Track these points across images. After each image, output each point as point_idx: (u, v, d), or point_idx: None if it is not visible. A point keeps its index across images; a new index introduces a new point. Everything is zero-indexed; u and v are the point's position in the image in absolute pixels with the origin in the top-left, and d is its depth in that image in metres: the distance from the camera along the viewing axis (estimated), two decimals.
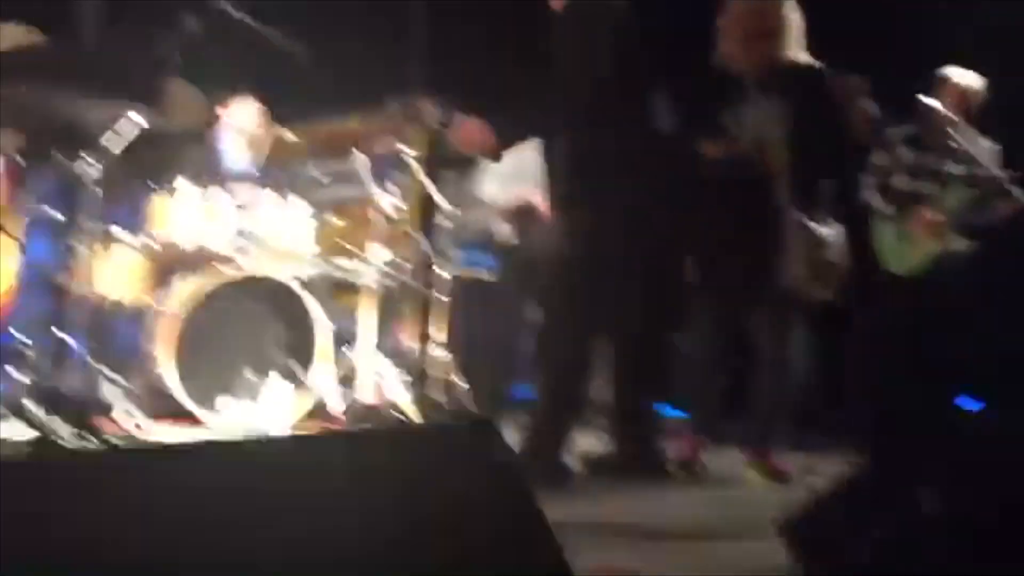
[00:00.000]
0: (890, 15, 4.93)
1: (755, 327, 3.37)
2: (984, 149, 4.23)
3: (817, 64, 3.29)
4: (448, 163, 4.74)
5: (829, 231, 3.30)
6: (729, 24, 3.30)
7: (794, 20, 3.29)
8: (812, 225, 3.24)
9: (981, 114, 4.23)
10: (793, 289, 3.24)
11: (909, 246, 4.35)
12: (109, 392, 3.29)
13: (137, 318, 3.70)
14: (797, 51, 3.29)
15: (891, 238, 4.41)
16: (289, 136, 4.25)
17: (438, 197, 4.44)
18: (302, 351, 3.81)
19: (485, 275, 4.76)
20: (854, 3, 4.94)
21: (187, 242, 3.81)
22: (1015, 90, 4.34)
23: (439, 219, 4.52)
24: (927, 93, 4.09)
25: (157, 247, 3.81)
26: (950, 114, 4.10)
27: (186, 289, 3.67)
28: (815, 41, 3.31)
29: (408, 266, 4.37)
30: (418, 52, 6.31)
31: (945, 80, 4.18)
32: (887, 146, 4.39)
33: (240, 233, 3.84)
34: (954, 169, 4.30)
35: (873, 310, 4.72)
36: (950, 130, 4.10)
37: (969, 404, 5.06)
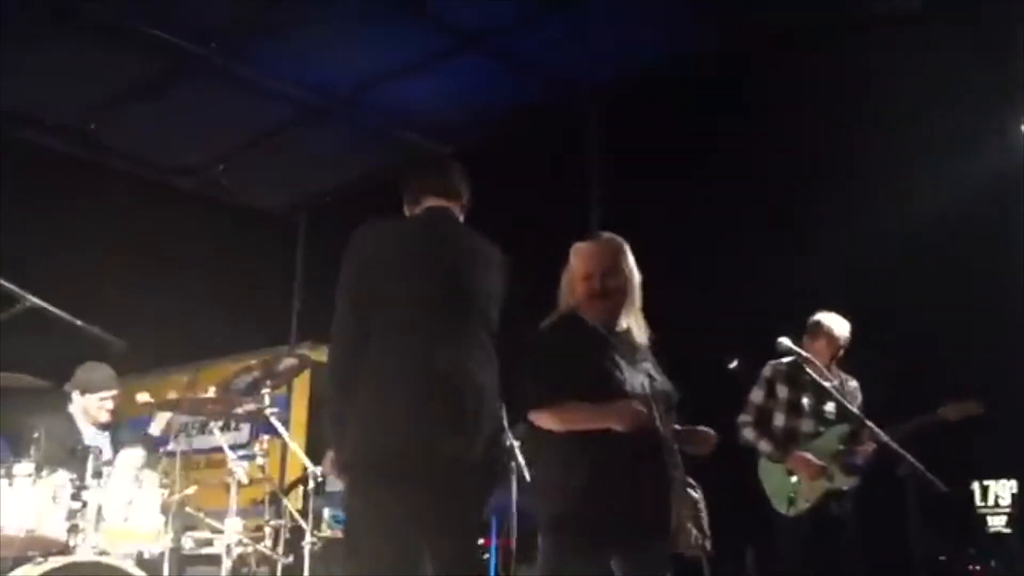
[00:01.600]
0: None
1: None
2: (852, 388, 4.22)
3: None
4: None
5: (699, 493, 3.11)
6: (576, 279, 3.19)
7: (637, 279, 3.20)
8: (691, 484, 3.06)
9: (847, 355, 4.25)
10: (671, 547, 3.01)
11: (796, 486, 4.20)
12: None
13: None
14: (637, 312, 3.18)
15: (778, 479, 4.26)
16: (143, 396, 4.12)
17: (304, 458, 4.29)
18: None
19: None
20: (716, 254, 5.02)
21: (18, 529, 3.61)
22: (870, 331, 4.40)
23: (309, 479, 4.33)
24: (803, 335, 4.14)
25: None
26: (819, 356, 4.09)
27: None
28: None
29: (269, 530, 4.16)
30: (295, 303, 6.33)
31: (818, 323, 4.26)
32: (763, 384, 4.31)
33: (78, 514, 3.66)
34: (828, 407, 4.22)
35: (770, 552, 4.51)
36: (820, 371, 4.04)
37: None
